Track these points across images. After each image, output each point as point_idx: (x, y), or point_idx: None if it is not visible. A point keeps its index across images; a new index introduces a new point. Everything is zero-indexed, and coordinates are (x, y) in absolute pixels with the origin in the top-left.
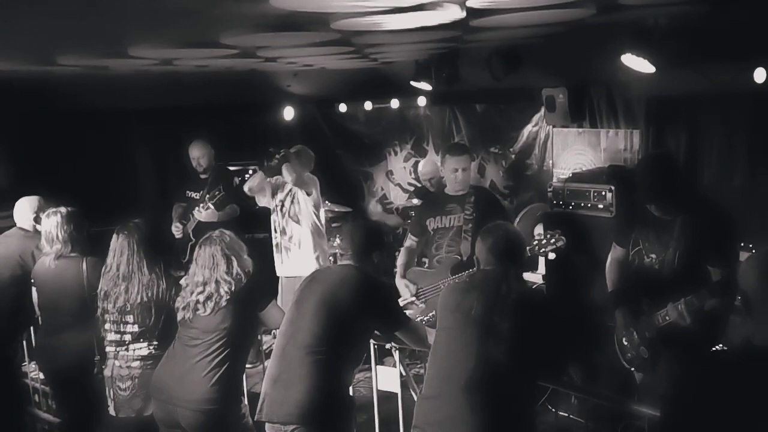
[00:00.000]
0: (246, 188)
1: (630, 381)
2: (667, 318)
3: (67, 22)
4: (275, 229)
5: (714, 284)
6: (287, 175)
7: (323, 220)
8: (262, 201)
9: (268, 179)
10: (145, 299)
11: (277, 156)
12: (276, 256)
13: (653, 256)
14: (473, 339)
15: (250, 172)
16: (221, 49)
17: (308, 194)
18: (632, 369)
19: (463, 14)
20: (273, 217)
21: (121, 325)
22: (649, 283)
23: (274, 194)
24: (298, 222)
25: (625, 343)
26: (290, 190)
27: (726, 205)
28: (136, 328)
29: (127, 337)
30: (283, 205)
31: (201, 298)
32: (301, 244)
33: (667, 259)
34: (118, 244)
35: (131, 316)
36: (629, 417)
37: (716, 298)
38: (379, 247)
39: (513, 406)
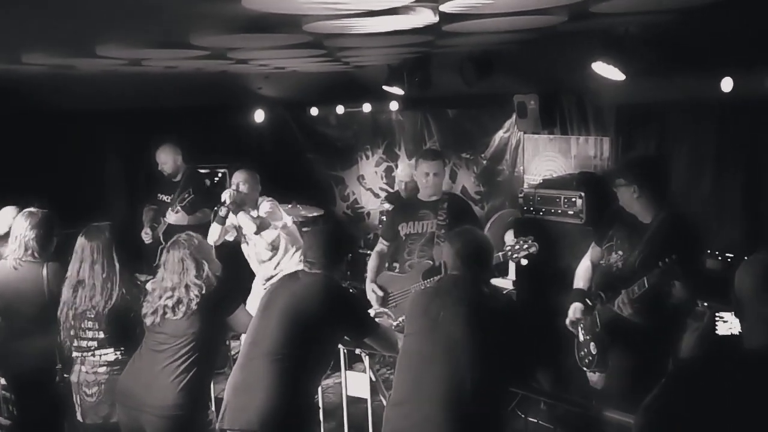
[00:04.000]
0: (210, 242)
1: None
2: (614, 309)
3: (32, 19)
4: (249, 257)
5: (653, 273)
6: (247, 227)
7: (295, 230)
8: (232, 238)
9: (227, 225)
10: (109, 305)
11: (223, 207)
12: (257, 280)
13: (620, 253)
14: (440, 345)
15: (220, 174)
16: (191, 50)
17: (275, 228)
18: (583, 368)
19: (435, 19)
20: (245, 249)
21: (86, 331)
22: (609, 280)
23: (240, 231)
24: (273, 249)
25: (581, 340)
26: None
27: (694, 213)
28: (101, 335)
29: (93, 344)
30: (251, 237)
31: (170, 303)
32: (282, 263)
33: (631, 260)
34: (81, 248)
35: (95, 323)
36: (598, 423)
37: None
38: (346, 252)
39: (482, 412)
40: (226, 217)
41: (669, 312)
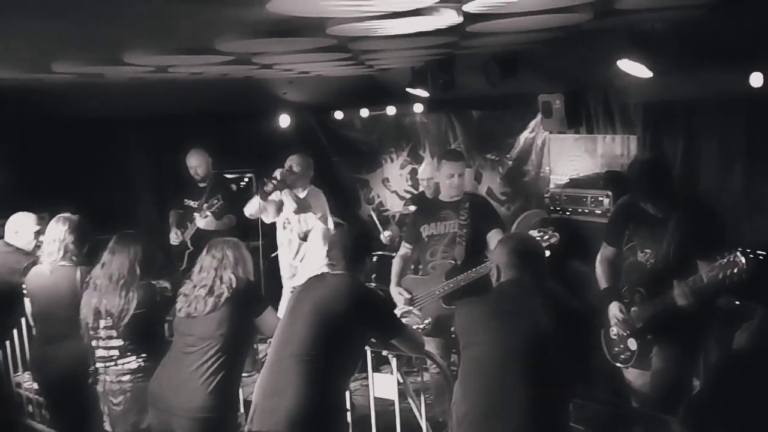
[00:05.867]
0: (247, 213)
1: (621, 383)
2: (671, 300)
3: (62, 29)
4: (281, 243)
5: (714, 266)
6: (289, 204)
7: (332, 227)
8: (268, 219)
9: (268, 202)
10: (126, 313)
11: (273, 182)
12: (283, 272)
13: (648, 251)
14: (521, 354)
15: (246, 179)
16: (217, 55)
17: (315, 214)
18: (617, 364)
19: (459, 19)
20: (280, 234)
21: (107, 340)
22: (644, 277)
23: (278, 211)
24: (305, 239)
25: (614, 337)
26: None
27: (721, 208)
28: (120, 343)
29: (114, 353)
30: (289, 222)
31: (202, 292)
32: (309, 260)
33: (662, 253)
34: (108, 252)
35: (114, 331)
36: (626, 422)
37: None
38: (368, 252)
39: (559, 420)
40: (270, 193)
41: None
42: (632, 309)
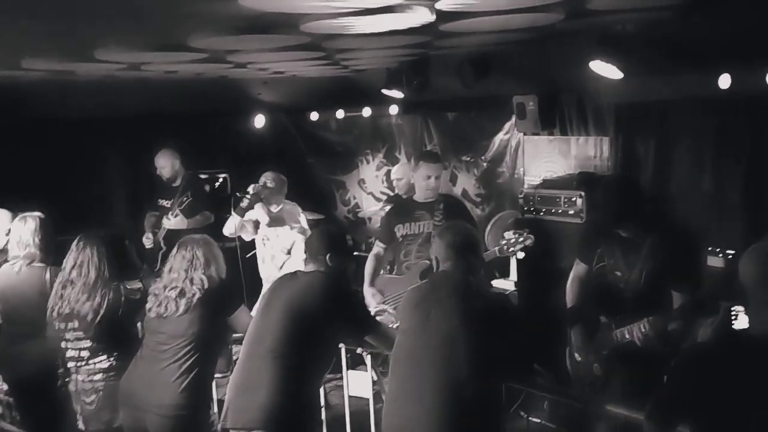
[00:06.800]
0: (226, 233)
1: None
2: (627, 337)
3: (31, 24)
4: (263, 260)
5: (681, 306)
6: (261, 217)
7: None
8: (248, 237)
9: (245, 220)
10: (97, 314)
11: (246, 197)
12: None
13: (618, 273)
14: (433, 340)
15: (220, 179)
16: (190, 52)
17: (291, 227)
18: (584, 387)
19: (432, 17)
20: (260, 250)
21: (76, 341)
22: (611, 300)
23: (257, 228)
24: (288, 253)
25: (578, 359)
26: None
27: (692, 208)
28: (90, 343)
29: (85, 353)
30: (268, 239)
31: (173, 294)
32: (286, 264)
33: (633, 278)
34: (74, 255)
35: (83, 332)
36: (599, 420)
37: (680, 320)
38: (330, 249)
39: (476, 406)
40: (246, 208)
41: (679, 336)
42: (598, 334)
